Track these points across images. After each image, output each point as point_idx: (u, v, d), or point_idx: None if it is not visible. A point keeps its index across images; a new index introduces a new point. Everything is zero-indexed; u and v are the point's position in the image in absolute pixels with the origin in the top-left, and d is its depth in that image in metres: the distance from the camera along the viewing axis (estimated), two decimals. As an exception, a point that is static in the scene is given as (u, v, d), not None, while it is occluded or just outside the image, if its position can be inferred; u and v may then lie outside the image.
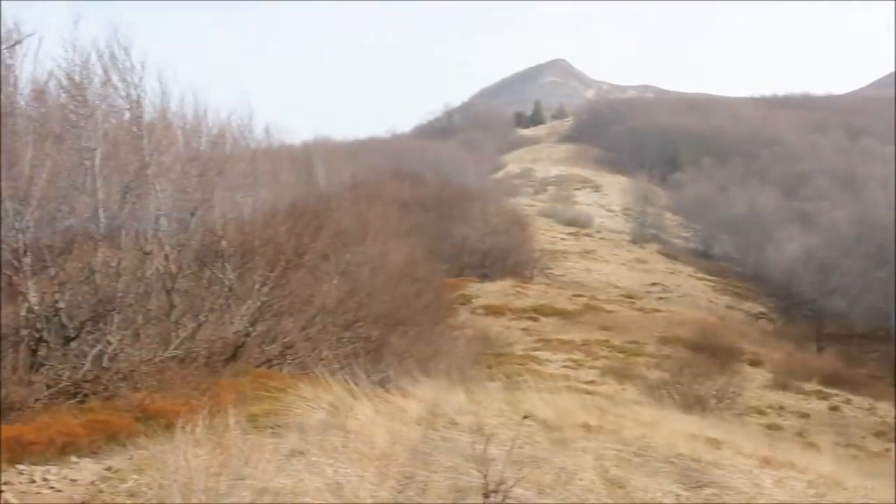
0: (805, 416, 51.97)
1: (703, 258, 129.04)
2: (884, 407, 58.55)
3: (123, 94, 24.39)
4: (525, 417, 12.31)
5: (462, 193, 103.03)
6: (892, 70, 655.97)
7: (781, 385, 57.37)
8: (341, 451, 10.48)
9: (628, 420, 16.03)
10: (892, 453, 48.05)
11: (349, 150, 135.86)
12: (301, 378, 15.43)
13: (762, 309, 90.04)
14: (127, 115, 24.33)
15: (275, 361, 21.82)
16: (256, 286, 21.91)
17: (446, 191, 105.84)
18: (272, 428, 11.65)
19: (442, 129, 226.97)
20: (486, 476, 8.75)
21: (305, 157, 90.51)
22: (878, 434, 51.91)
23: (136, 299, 18.32)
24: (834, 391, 58.87)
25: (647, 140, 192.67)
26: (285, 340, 22.18)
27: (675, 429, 16.49)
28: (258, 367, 20.28)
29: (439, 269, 64.50)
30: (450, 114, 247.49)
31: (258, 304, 21.59)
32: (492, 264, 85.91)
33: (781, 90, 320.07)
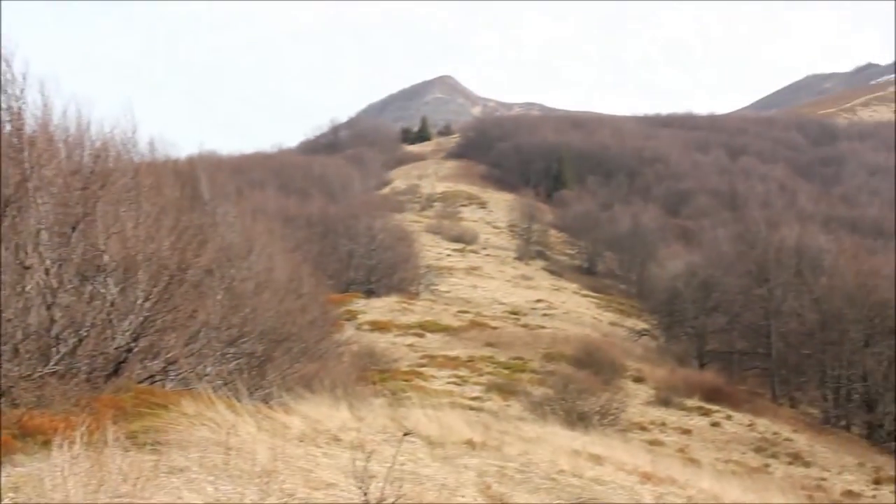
0: (687, 432, 52.62)
1: (587, 275, 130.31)
2: (763, 423, 59.60)
3: (4, 105, 23.97)
4: (406, 434, 12.29)
5: (348, 209, 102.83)
6: (772, 91, 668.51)
7: (664, 401, 58.04)
8: (222, 468, 10.39)
9: (512, 436, 16.10)
10: (772, 469, 48.89)
11: (235, 165, 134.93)
12: (184, 394, 15.29)
13: (645, 326, 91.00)
14: (7, 128, 23.90)
15: (157, 377, 21.56)
16: (139, 301, 21.64)
17: (332, 206, 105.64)
18: (152, 445, 11.50)
19: (328, 144, 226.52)
20: (366, 493, 8.74)
21: (190, 172, 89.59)
22: (758, 450, 52.77)
23: (16, 314, 17.99)
24: (715, 407, 59.72)
25: (533, 157, 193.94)
26: (168, 356, 21.93)
27: (558, 445, 16.59)
28: (140, 383, 20.02)
29: (325, 285, 64.24)
30: (336, 129, 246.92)
31: (140, 319, 21.32)
32: (378, 280, 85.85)
33: (665, 109, 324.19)
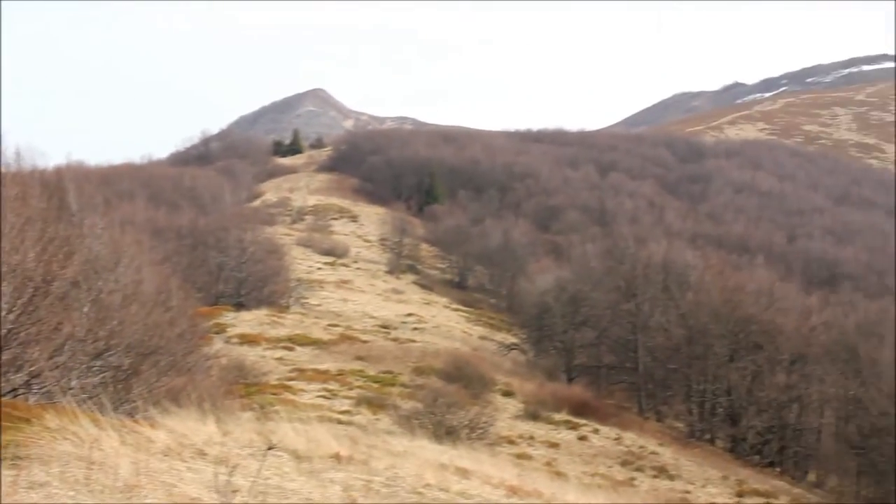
0: (554, 445, 53.09)
1: (457, 289, 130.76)
2: (630, 436, 60.35)
3: None
4: (270, 448, 12.23)
5: (218, 221, 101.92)
6: (641, 108, 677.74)
7: (532, 415, 58.48)
8: (84, 482, 10.25)
9: (379, 450, 16.10)
10: (637, 482, 49.50)
11: (103, 176, 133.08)
12: (47, 408, 15.02)
13: (515, 340, 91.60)
14: None
15: (20, 391, 21.17)
16: (2, 313, 21.25)
17: (202, 218, 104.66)
18: (13, 460, 11.29)
19: (199, 156, 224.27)
20: (229, 507, 8.69)
21: (58, 182, 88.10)
22: (625, 463, 53.41)
23: None
24: (583, 421, 60.34)
25: (405, 171, 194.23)
26: (32, 369, 21.55)
27: (426, 459, 16.64)
28: (2, 396, 19.64)
29: (194, 298, 63.60)
30: (207, 141, 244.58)
31: (4, 331, 20.94)
32: (248, 293, 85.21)
33: (536, 125, 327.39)
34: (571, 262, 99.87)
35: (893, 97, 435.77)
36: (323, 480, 12.15)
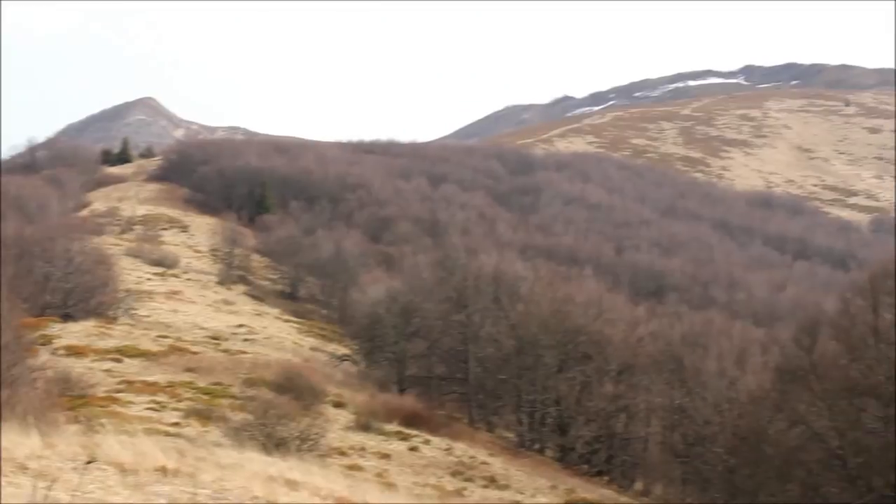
0: (386, 456, 53.11)
1: (289, 300, 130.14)
2: (461, 447, 60.70)
3: None
4: (90, 462, 12.03)
5: (45, 231, 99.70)
6: (473, 121, 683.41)
7: (364, 426, 58.47)
8: None
9: (207, 463, 15.96)
10: (468, 492, 49.83)
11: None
12: None
13: (347, 351, 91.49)
14: None
15: None
16: None
17: (28, 228, 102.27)
18: None
19: (25, 165, 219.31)
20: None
21: None
22: (455, 473, 53.70)
23: None
24: (414, 432, 60.50)
25: (236, 181, 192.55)
26: None
27: (255, 471, 16.54)
28: None
29: (19, 309, 62.07)
30: (33, 150, 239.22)
31: None
32: (75, 304, 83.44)
33: (368, 136, 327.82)
34: (403, 273, 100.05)
35: (718, 112, 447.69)
36: (148, 494, 12.00)
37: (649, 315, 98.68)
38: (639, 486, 74.24)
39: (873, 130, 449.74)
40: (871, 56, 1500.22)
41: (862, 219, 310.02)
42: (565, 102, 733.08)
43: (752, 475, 55.79)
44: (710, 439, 64.79)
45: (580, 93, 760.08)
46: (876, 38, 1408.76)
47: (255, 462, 19.43)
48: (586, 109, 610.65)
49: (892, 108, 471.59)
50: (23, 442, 14.48)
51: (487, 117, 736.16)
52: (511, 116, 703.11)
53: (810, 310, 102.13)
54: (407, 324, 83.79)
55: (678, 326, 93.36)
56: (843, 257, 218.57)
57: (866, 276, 53.63)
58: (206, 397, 57.55)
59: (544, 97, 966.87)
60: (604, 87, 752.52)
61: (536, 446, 73.60)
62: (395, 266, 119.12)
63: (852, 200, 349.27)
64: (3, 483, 11.20)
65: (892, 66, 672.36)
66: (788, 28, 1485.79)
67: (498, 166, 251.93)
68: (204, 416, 50.85)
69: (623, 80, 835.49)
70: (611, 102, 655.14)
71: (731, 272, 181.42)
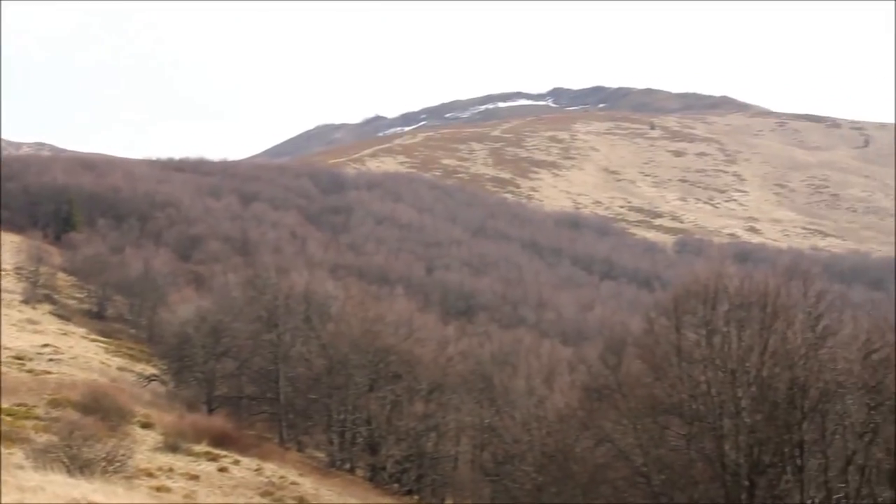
0: (194, 477, 52.44)
1: (97, 319, 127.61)
2: (271, 467, 60.37)
3: None
4: None
5: None
6: (285, 139, 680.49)
7: (172, 447, 57.61)
8: None
9: (9, 486, 15.65)
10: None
11: None
12: None
13: (155, 371, 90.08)
14: None
15: None
16: None
17: None
18: None
19: None
20: None
21: None
22: (265, 493, 53.40)
23: None
24: (223, 452, 59.89)
25: (42, 198, 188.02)
26: None
27: (58, 493, 16.29)
28: None
29: None
30: None
31: None
32: None
33: (177, 154, 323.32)
34: (213, 293, 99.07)
35: (527, 133, 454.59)
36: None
37: (459, 334, 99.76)
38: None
39: (677, 153, 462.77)
40: (676, 81, 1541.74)
41: (667, 240, 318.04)
42: (377, 122, 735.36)
43: (559, 493, 56.67)
44: (518, 457, 65.58)
45: (392, 113, 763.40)
46: (679, 64, 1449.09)
47: (58, 484, 19.11)
48: (398, 129, 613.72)
49: (696, 132, 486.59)
50: None
51: (299, 136, 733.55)
52: (323, 136, 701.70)
53: (616, 329, 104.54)
54: (216, 343, 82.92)
55: (488, 345, 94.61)
56: (649, 278, 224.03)
57: (670, 297, 54.99)
58: (8, 419, 56.01)
59: (356, 117, 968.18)
60: (415, 108, 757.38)
61: (347, 466, 73.61)
62: (204, 285, 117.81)
63: (657, 222, 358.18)
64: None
65: (696, 90, 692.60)
66: (596, 52, 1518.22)
67: (309, 185, 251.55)
68: (6, 438, 49.51)
69: (434, 101, 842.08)
70: (422, 123, 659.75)
71: (539, 292, 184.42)
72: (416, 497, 71.90)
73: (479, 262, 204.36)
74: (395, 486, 72.63)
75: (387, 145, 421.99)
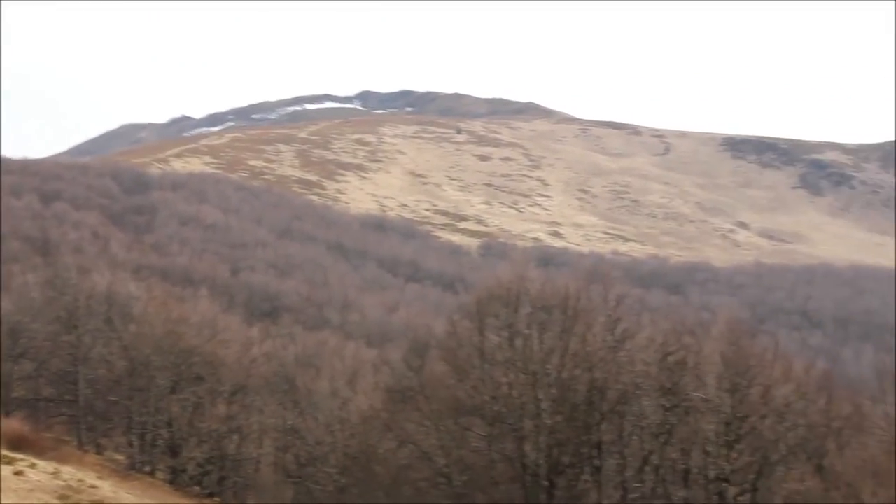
0: (-13, 481, 51.15)
1: None
2: (69, 470, 59.13)
3: None
4: None
5: None
6: (88, 138, 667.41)
7: (-35, 451, 56.15)
8: None
9: None
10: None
11: None
12: None
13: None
14: None
15: None
16: None
17: None
18: None
19: None
20: None
21: None
22: (62, 497, 52.32)
23: None
24: (19, 456, 58.51)
25: None
26: None
27: None
28: None
29: None
30: None
31: None
32: None
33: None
34: (11, 293, 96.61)
35: (334, 136, 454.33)
36: None
37: (263, 336, 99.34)
38: (250, 506, 74.37)
39: (483, 158, 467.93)
40: (483, 86, 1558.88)
41: (471, 243, 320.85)
42: (183, 122, 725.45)
43: (362, 494, 56.98)
44: (321, 459, 65.75)
45: (198, 113, 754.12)
46: (487, 70, 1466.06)
47: None
48: (204, 130, 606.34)
49: (502, 137, 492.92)
50: None
51: (102, 135, 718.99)
52: (127, 135, 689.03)
53: (420, 331, 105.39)
54: (14, 345, 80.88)
55: (292, 347, 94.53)
56: (453, 280, 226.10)
57: (473, 299, 55.75)
58: None
59: (162, 117, 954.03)
60: (222, 109, 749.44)
61: (147, 468, 72.58)
62: (2, 285, 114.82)
63: (462, 225, 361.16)
64: None
65: (502, 96, 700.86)
66: (404, 56, 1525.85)
67: (112, 185, 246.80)
68: None
69: (241, 102, 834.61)
70: (229, 123, 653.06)
71: (345, 294, 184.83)
72: (217, 500, 71.26)
73: (284, 264, 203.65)
74: (197, 488, 71.89)
75: (193, 145, 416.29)
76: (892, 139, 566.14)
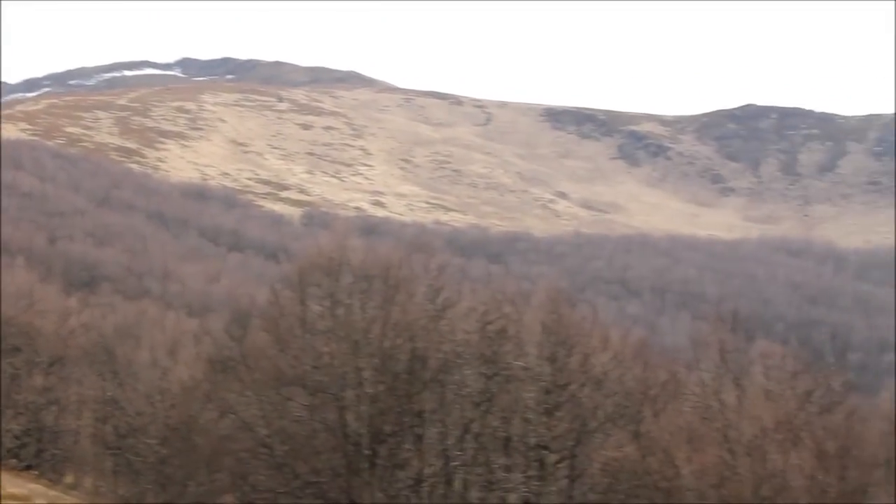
0: None
1: None
2: None
3: None
4: None
5: None
6: None
7: None
8: None
9: None
10: None
11: None
12: None
13: None
14: None
15: None
16: None
17: None
18: None
19: None
20: None
21: None
22: None
23: None
24: None
25: None
26: None
27: None
28: None
29: None
30: None
31: None
32: None
33: None
34: None
35: (154, 103, 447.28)
36: None
37: (82, 306, 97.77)
38: (69, 479, 73.32)
39: (305, 126, 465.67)
40: (304, 55, 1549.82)
41: (294, 212, 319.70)
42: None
43: (182, 465, 56.67)
44: (141, 430, 64.98)
45: (13, 78, 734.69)
46: (308, 38, 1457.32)
47: None
48: (19, 95, 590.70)
49: (323, 106, 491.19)
50: None
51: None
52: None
53: (242, 301, 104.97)
54: None
55: (111, 317, 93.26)
56: (275, 250, 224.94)
57: (295, 269, 55.67)
58: None
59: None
60: (38, 74, 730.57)
61: None
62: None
63: (284, 194, 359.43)
64: None
65: (324, 65, 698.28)
66: (225, 23, 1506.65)
67: None
68: None
69: (58, 68, 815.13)
70: (45, 89, 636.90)
71: (165, 263, 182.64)
72: (35, 472, 70.04)
73: (103, 233, 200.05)
74: (14, 461, 70.47)
75: (7, 111, 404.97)
76: (708, 111, 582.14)
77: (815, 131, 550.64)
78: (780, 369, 53.81)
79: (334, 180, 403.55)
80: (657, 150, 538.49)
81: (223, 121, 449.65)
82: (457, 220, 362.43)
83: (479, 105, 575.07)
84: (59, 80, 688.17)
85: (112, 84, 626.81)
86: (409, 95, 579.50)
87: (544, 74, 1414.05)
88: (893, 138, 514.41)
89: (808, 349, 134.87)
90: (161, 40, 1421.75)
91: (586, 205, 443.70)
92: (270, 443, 49.46)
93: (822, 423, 49.87)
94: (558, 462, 50.19)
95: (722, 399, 50.58)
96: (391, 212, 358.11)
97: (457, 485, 49.46)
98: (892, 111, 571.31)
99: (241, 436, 51.64)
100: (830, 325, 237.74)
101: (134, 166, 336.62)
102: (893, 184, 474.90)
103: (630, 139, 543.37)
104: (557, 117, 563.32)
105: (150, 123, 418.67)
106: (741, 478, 45.29)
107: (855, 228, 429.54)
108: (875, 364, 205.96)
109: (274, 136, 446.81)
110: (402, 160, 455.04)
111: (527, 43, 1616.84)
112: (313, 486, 48.03)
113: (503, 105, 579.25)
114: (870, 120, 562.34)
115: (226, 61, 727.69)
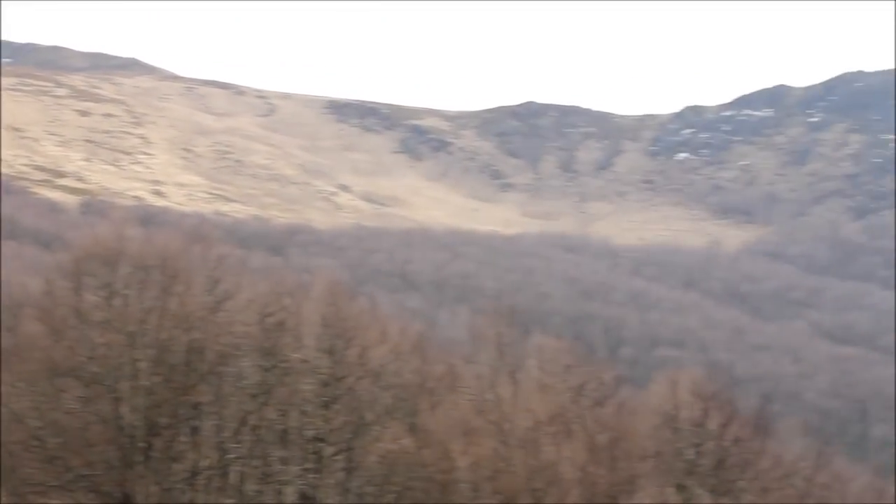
0: None
1: None
2: None
3: None
4: None
5: None
6: None
7: None
8: None
9: None
10: None
11: None
12: None
13: None
14: None
15: None
16: None
17: None
18: None
19: None
20: None
21: None
22: None
23: None
24: None
25: None
26: None
27: None
28: None
29: None
30: None
31: None
32: None
33: None
34: None
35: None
36: None
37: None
38: None
39: (84, 113, 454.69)
40: (82, 40, 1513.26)
41: (71, 200, 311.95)
42: None
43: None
44: None
45: None
46: (87, 23, 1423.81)
47: None
48: None
49: (103, 93, 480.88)
50: None
51: None
52: None
53: (15, 291, 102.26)
54: None
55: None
56: (51, 239, 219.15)
57: (70, 258, 54.72)
58: None
59: None
60: None
61: None
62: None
63: (61, 182, 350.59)
64: None
65: (104, 51, 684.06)
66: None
67: None
68: None
69: None
70: None
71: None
72: None
73: None
74: None
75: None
76: (490, 107, 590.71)
77: (592, 129, 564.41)
78: (554, 362, 55.33)
79: (113, 168, 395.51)
80: (439, 145, 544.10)
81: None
82: (238, 210, 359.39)
83: (262, 96, 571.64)
84: None
85: None
86: (190, 84, 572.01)
87: (328, 67, 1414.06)
88: (668, 138, 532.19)
89: (583, 343, 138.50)
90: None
91: (368, 198, 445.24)
92: (42, 435, 48.58)
93: (594, 416, 51.50)
94: (335, 454, 50.62)
95: (498, 392, 51.78)
96: (171, 201, 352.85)
97: (233, 477, 49.45)
98: (667, 111, 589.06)
99: (12, 428, 50.50)
100: (604, 320, 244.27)
101: None
102: (667, 183, 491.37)
103: (413, 133, 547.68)
104: (341, 110, 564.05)
105: None
106: (515, 470, 46.45)
107: (630, 226, 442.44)
108: (646, 358, 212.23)
109: (51, 122, 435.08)
110: (183, 150, 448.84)
111: (311, 35, 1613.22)
112: (86, 479, 47.39)
113: (286, 97, 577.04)
114: (645, 120, 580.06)
115: (3, 45, 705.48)
